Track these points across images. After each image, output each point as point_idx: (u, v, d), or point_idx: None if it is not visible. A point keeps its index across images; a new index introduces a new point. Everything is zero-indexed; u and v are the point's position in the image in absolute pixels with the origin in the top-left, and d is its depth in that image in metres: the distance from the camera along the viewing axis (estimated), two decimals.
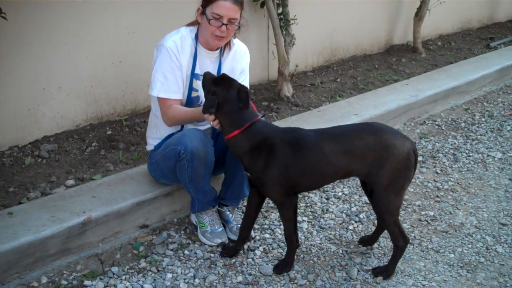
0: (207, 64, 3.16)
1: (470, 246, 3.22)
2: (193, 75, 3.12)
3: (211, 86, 2.81)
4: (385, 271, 2.92)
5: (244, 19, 3.10)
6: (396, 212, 2.84)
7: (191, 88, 3.14)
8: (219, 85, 2.79)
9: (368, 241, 3.20)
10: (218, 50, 3.17)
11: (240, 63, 3.27)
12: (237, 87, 2.79)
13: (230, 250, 3.11)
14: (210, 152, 3.01)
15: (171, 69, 3.05)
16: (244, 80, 3.28)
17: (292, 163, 2.77)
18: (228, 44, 3.19)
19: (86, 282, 2.83)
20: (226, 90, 2.78)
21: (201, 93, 3.15)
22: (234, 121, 2.78)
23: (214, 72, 3.15)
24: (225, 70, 3.19)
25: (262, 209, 3.54)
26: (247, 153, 2.81)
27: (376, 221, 3.41)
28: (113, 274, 2.92)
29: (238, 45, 3.27)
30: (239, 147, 2.82)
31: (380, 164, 2.73)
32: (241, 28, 3.10)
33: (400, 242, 2.87)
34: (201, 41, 3.11)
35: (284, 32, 5.06)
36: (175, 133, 3.17)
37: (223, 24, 2.95)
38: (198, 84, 3.14)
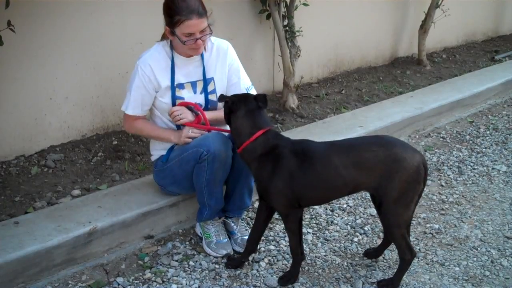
0: (190, 69, 3.17)
1: (475, 259, 3.22)
2: (173, 86, 3.13)
3: (228, 98, 2.92)
4: (390, 284, 2.91)
5: (211, 18, 3.08)
6: (404, 226, 2.83)
7: (174, 98, 3.15)
8: (236, 96, 2.93)
9: (373, 253, 3.20)
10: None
11: (226, 60, 3.25)
12: (253, 95, 2.91)
13: (235, 261, 3.11)
14: (230, 157, 3.04)
15: (137, 88, 3.11)
16: (242, 75, 3.31)
17: (298, 174, 2.77)
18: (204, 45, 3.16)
19: None
20: (243, 97, 2.91)
21: (188, 100, 3.18)
22: (249, 127, 2.83)
23: (200, 75, 3.18)
24: (211, 70, 3.20)
25: None
26: (255, 160, 2.83)
27: (381, 234, 3.42)
28: (118, 284, 2.92)
29: (218, 43, 3.26)
30: (251, 153, 2.83)
31: (390, 177, 2.71)
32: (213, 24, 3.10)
33: (407, 255, 2.86)
34: (178, 51, 3.13)
35: (289, 44, 5.09)
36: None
37: (197, 39, 2.97)
38: (182, 92, 3.16)
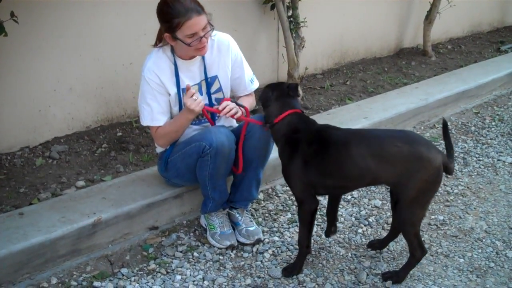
0: (194, 71, 3.13)
1: (480, 251, 3.21)
2: (179, 91, 3.09)
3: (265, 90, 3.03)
4: (396, 276, 2.90)
5: (209, 13, 2.99)
6: (418, 224, 2.80)
7: (181, 104, 3.12)
8: (271, 85, 3.05)
9: (377, 245, 3.19)
10: None
11: (228, 55, 3.20)
12: (286, 84, 3.01)
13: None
14: (233, 150, 3.03)
15: (152, 96, 3.05)
16: (245, 66, 3.27)
17: (313, 160, 2.77)
18: None
19: (96, 283, 2.85)
20: (277, 85, 3.03)
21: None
22: (279, 108, 2.92)
23: (202, 75, 3.14)
24: (213, 67, 3.16)
25: (271, 212, 3.56)
26: (281, 140, 2.91)
27: (386, 225, 3.42)
28: (123, 275, 2.93)
29: (219, 37, 3.19)
30: (277, 132, 2.92)
31: (411, 175, 2.65)
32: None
33: (418, 253, 2.84)
34: (180, 55, 3.07)
35: (294, 35, 5.06)
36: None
37: (201, 37, 2.90)
38: None
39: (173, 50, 3.08)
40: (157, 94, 3.06)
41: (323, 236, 3.31)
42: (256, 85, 3.36)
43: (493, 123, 5.12)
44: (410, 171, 2.65)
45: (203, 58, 3.13)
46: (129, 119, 4.45)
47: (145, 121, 3.13)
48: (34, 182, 3.54)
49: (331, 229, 3.21)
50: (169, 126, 3.11)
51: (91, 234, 3.04)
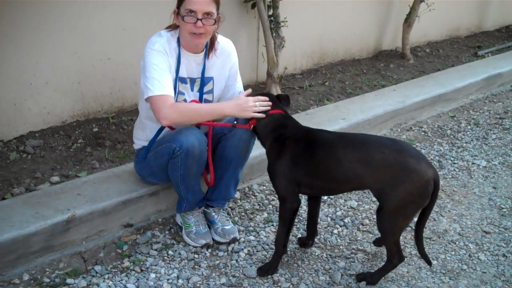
0: (193, 66, 3.11)
1: (453, 253, 3.24)
2: (177, 78, 3.05)
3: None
4: (369, 278, 2.92)
5: (221, 13, 3.03)
6: (399, 233, 2.81)
7: (175, 92, 3.06)
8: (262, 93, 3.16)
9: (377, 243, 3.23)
10: (203, 52, 3.10)
11: (228, 62, 3.21)
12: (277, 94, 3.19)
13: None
14: (204, 151, 3.00)
15: (166, 67, 2.95)
16: (238, 78, 3.30)
17: (300, 160, 2.79)
18: (212, 46, 3.12)
19: (69, 280, 2.81)
20: (267, 93, 3.17)
21: (187, 96, 3.11)
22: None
23: (198, 74, 3.11)
24: (210, 70, 3.15)
25: (247, 211, 3.55)
26: (269, 138, 2.93)
27: (361, 226, 3.44)
28: (96, 273, 2.90)
29: (223, 43, 3.20)
30: (264, 128, 2.96)
31: (395, 184, 2.63)
32: (219, 23, 3.03)
33: (395, 259, 2.85)
34: (183, 44, 3.04)
35: (274, 34, 5.07)
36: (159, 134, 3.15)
37: (198, 19, 2.89)
38: (184, 87, 3.09)
39: (179, 41, 3.04)
40: (166, 67, 2.94)
41: (299, 236, 3.31)
42: None
43: (469, 127, 5.18)
44: (395, 180, 2.63)
45: (204, 58, 3.11)
46: (106, 115, 4.40)
47: (156, 90, 2.87)
48: (7, 177, 3.48)
49: (308, 241, 3.21)
50: (197, 105, 3.04)
51: (65, 230, 3.00)
